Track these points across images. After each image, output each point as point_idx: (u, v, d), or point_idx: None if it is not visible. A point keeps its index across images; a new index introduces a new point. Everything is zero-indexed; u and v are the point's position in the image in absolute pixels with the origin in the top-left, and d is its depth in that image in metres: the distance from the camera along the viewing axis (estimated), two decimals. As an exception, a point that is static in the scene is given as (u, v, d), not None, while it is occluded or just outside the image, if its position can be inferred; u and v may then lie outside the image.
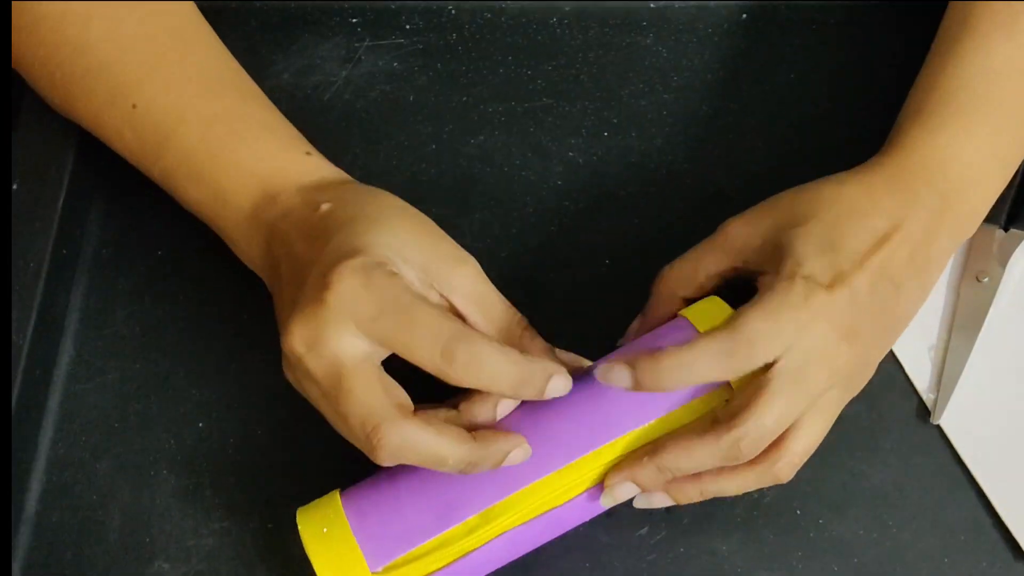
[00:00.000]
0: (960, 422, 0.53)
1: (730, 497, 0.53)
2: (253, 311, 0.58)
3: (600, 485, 0.48)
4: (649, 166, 0.60)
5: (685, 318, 0.50)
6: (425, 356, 0.44)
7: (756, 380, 0.46)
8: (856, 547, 0.52)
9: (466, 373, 0.44)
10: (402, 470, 0.49)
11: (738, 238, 0.51)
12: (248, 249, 0.53)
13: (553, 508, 0.48)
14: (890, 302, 0.48)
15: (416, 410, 0.46)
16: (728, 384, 0.47)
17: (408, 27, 0.65)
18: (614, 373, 0.47)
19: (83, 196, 0.60)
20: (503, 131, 0.62)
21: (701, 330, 0.48)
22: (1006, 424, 0.53)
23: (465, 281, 0.48)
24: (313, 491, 0.50)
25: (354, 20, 0.65)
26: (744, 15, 0.64)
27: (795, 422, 0.47)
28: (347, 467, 0.50)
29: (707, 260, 0.52)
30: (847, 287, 0.46)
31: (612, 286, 0.58)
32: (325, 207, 0.50)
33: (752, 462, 0.47)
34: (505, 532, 0.47)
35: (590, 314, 0.57)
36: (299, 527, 0.48)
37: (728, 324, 0.46)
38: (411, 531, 0.47)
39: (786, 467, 0.47)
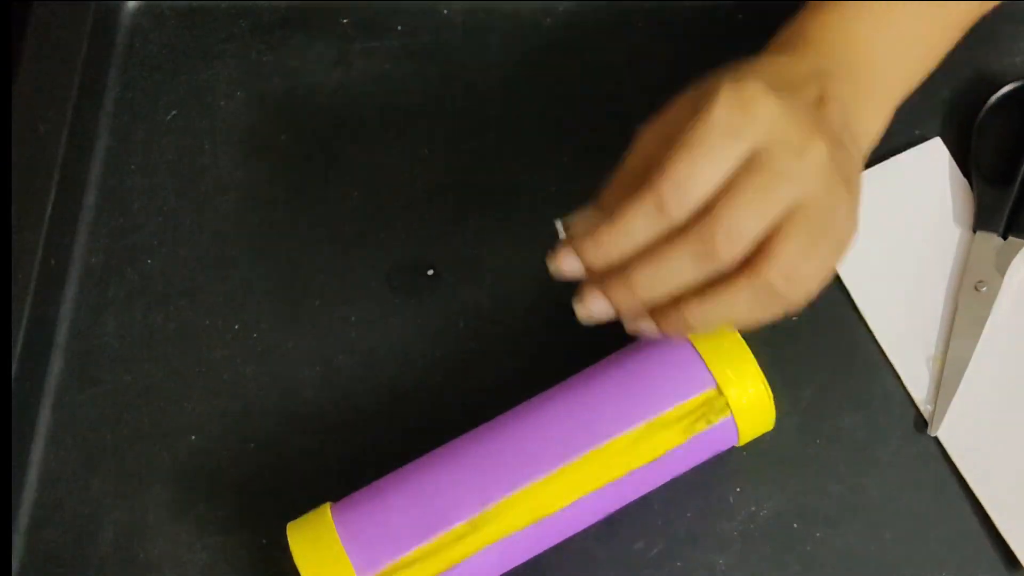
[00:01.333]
0: (957, 434, 0.53)
1: (726, 511, 0.52)
2: (245, 321, 0.58)
3: (592, 494, 0.48)
4: (645, 171, 0.60)
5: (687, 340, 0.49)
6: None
7: None
8: (853, 560, 0.52)
9: None
10: (392, 480, 0.48)
11: (649, 143, 0.45)
12: None
13: (544, 517, 0.47)
14: (841, 134, 0.44)
15: None
16: (718, 387, 0.47)
17: (400, 28, 0.64)
18: (588, 297, 0.44)
19: (71, 206, 0.59)
20: (498, 135, 0.61)
21: (697, 345, 0.48)
22: (1004, 436, 0.53)
23: None
24: (307, 505, 0.49)
25: (345, 21, 0.64)
26: (740, 15, 0.63)
27: (779, 225, 0.42)
28: (340, 481, 0.50)
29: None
30: (794, 96, 0.43)
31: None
32: None
33: (739, 273, 0.42)
34: (496, 541, 0.47)
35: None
36: (289, 538, 0.47)
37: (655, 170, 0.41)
38: (399, 538, 0.46)
39: (780, 277, 0.41)
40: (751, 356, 0.48)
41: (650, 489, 0.50)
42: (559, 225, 0.46)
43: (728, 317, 0.44)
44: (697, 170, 0.41)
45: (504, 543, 0.47)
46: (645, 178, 0.42)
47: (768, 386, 0.48)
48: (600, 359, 0.51)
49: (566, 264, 0.44)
